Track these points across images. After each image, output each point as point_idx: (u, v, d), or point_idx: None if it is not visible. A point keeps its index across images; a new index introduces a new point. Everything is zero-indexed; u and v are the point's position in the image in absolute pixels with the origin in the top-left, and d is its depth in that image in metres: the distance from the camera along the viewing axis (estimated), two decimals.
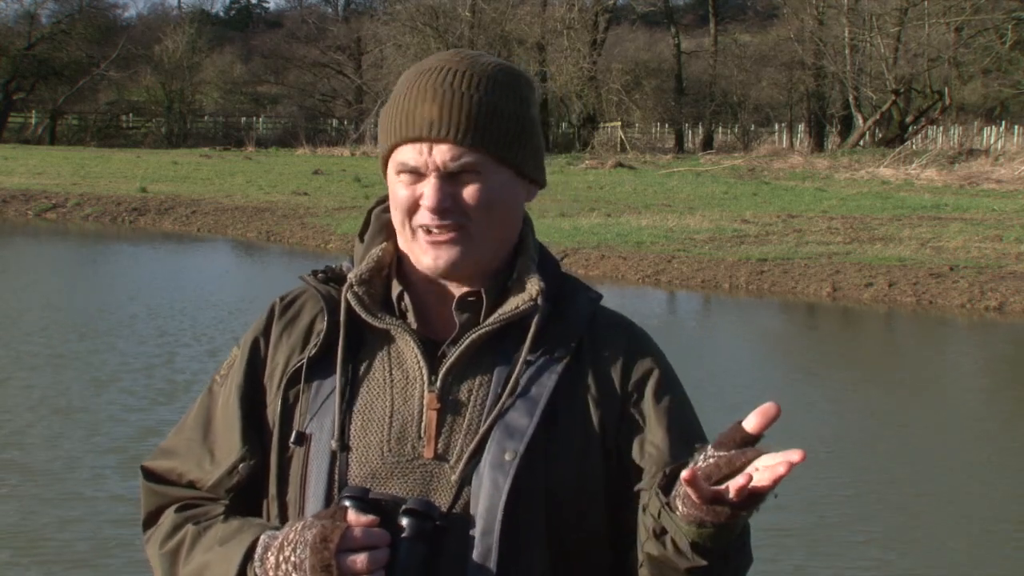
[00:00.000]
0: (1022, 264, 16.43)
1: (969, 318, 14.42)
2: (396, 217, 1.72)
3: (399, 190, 1.70)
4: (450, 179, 1.67)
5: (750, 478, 1.43)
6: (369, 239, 1.79)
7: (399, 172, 1.70)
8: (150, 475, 1.82)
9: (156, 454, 1.85)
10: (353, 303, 1.73)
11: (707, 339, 12.92)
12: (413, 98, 1.69)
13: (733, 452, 1.46)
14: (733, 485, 1.43)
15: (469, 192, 1.67)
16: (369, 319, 1.72)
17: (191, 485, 1.78)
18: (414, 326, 1.72)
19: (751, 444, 1.47)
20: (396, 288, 1.75)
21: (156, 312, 13.39)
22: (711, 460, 1.47)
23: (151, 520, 1.80)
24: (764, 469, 1.43)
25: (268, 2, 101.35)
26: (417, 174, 1.68)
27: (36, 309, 13.52)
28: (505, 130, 1.69)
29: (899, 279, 15.66)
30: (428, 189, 1.67)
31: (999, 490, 7.77)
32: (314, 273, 1.80)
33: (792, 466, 1.41)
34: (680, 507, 1.50)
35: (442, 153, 1.66)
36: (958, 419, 9.71)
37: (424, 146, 1.67)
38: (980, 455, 8.65)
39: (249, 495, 1.74)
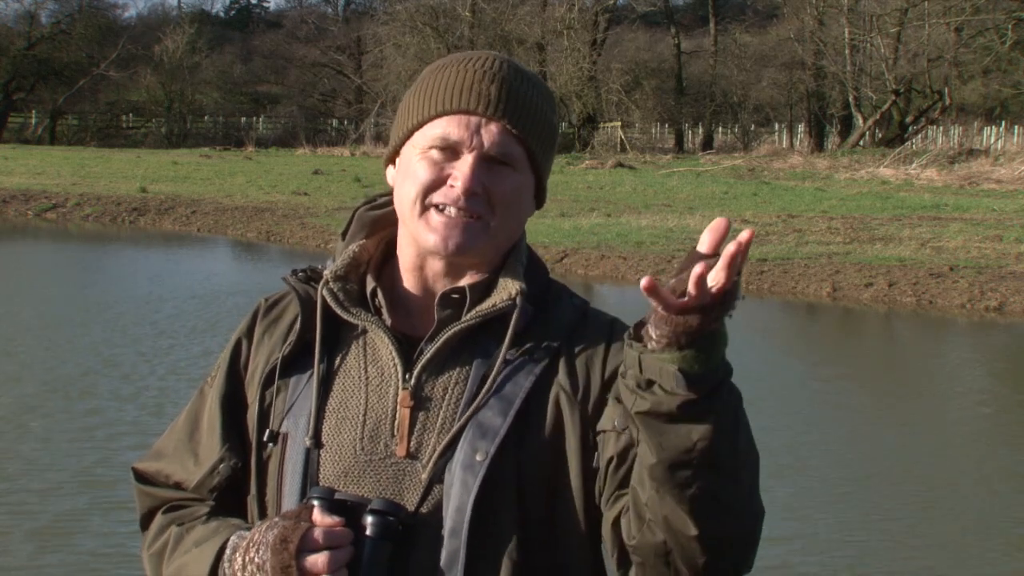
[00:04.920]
0: (1022, 264, 16.43)
1: (969, 318, 14.42)
2: (409, 193, 1.67)
3: (422, 167, 1.65)
4: (485, 165, 1.64)
5: (706, 271, 1.37)
6: (350, 237, 1.79)
7: (431, 146, 1.65)
8: (140, 477, 1.85)
9: (147, 455, 1.87)
10: (328, 299, 1.72)
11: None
12: (468, 75, 1.66)
13: (693, 266, 1.39)
14: (692, 277, 1.36)
15: (500, 183, 1.65)
16: (343, 315, 1.71)
17: (178, 486, 1.80)
18: (389, 322, 1.71)
19: None
20: (370, 284, 1.74)
21: (152, 314, 13.39)
22: (672, 281, 1.41)
23: (145, 522, 1.83)
24: (720, 259, 1.37)
25: (268, 2, 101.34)
26: (452, 152, 1.64)
27: (27, 314, 13.52)
28: (545, 133, 1.69)
29: (899, 279, 15.66)
30: (464, 169, 1.63)
31: (1000, 489, 7.77)
32: (295, 272, 1.80)
33: (741, 246, 1.35)
34: (653, 336, 1.42)
35: (491, 134, 1.63)
36: (958, 419, 9.70)
37: (475, 120, 1.63)
38: (980, 454, 8.64)
39: (233, 494, 1.75)
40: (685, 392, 1.41)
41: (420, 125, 1.67)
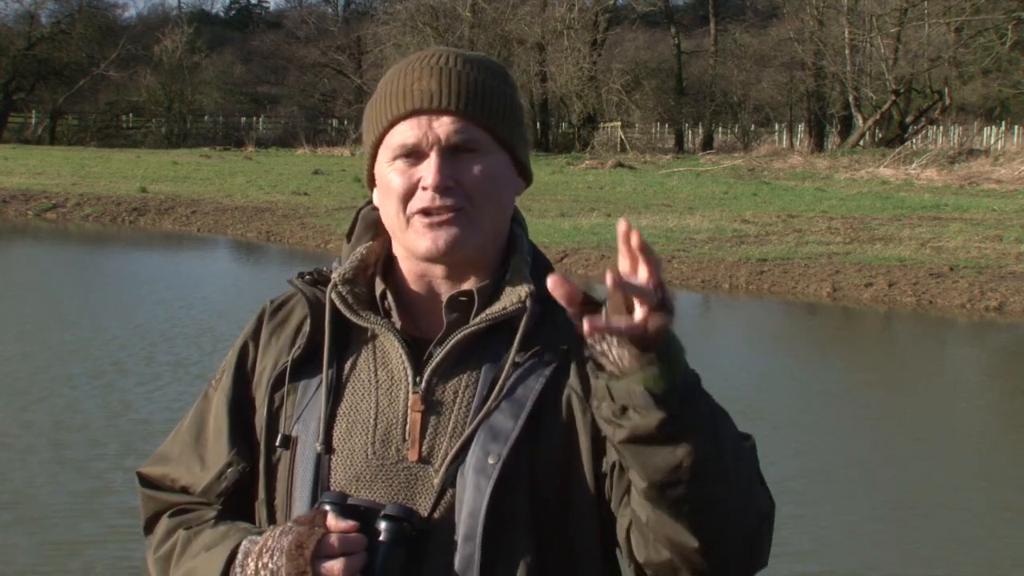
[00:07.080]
0: (1022, 264, 16.42)
1: (969, 318, 14.41)
2: (391, 207, 1.67)
3: (394, 178, 1.66)
4: (451, 157, 1.64)
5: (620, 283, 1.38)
6: (355, 239, 1.78)
7: (395, 157, 1.66)
8: (145, 481, 1.84)
9: (151, 459, 1.86)
10: (337, 302, 1.71)
11: (707, 340, 12.91)
12: (409, 76, 1.67)
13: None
14: (623, 297, 1.39)
15: (470, 171, 1.64)
16: (353, 318, 1.70)
17: (184, 490, 1.79)
18: (398, 325, 1.70)
19: None
20: (379, 287, 1.73)
21: (147, 316, 13.39)
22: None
23: (149, 526, 1.82)
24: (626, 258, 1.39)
25: (268, 2, 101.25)
26: (415, 155, 1.65)
27: (25, 318, 13.52)
28: (502, 110, 1.68)
29: (899, 279, 15.65)
30: (429, 167, 1.63)
31: (1000, 489, 7.77)
32: (301, 275, 1.79)
33: (628, 241, 1.37)
34: (614, 360, 1.43)
35: (444, 126, 1.64)
36: (958, 419, 9.70)
37: (424, 119, 1.64)
38: (980, 455, 8.65)
39: (241, 499, 1.74)
40: (658, 411, 1.42)
41: (380, 140, 1.68)
